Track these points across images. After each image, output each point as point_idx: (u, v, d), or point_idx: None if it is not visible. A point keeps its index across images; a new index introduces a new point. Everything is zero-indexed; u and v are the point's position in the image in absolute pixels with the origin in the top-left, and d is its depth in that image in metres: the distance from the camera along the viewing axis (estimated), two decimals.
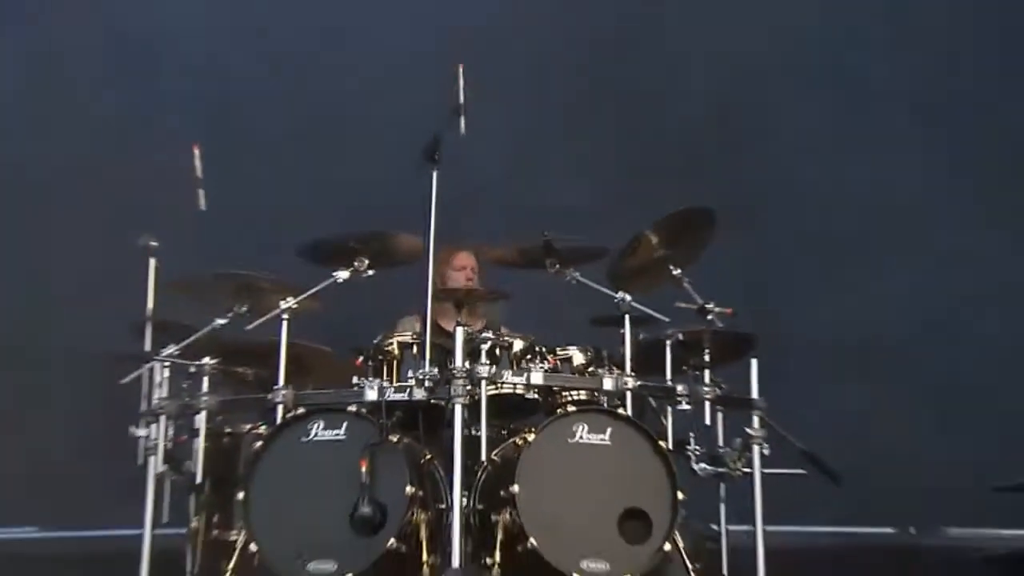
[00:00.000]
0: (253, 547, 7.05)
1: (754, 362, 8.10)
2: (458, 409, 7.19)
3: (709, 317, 8.04)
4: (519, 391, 7.84)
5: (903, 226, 10.45)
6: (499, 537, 7.27)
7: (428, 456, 7.59)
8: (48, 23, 12.80)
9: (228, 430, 8.25)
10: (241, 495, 7.24)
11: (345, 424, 7.30)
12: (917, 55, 12.80)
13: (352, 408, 7.46)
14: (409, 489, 7.02)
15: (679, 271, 8.25)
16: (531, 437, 7.33)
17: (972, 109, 12.51)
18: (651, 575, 7.10)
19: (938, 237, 10.26)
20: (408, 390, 7.57)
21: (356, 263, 8.06)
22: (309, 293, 8.03)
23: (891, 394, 9.65)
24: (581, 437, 7.26)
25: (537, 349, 8.07)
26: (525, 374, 7.80)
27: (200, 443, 7.83)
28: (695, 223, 8.46)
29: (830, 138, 12.26)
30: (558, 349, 8.19)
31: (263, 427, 7.87)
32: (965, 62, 12.73)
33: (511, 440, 7.71)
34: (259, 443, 7.57)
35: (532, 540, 6.86)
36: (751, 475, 7.87)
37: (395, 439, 7.23)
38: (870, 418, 9.36)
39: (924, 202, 11.07)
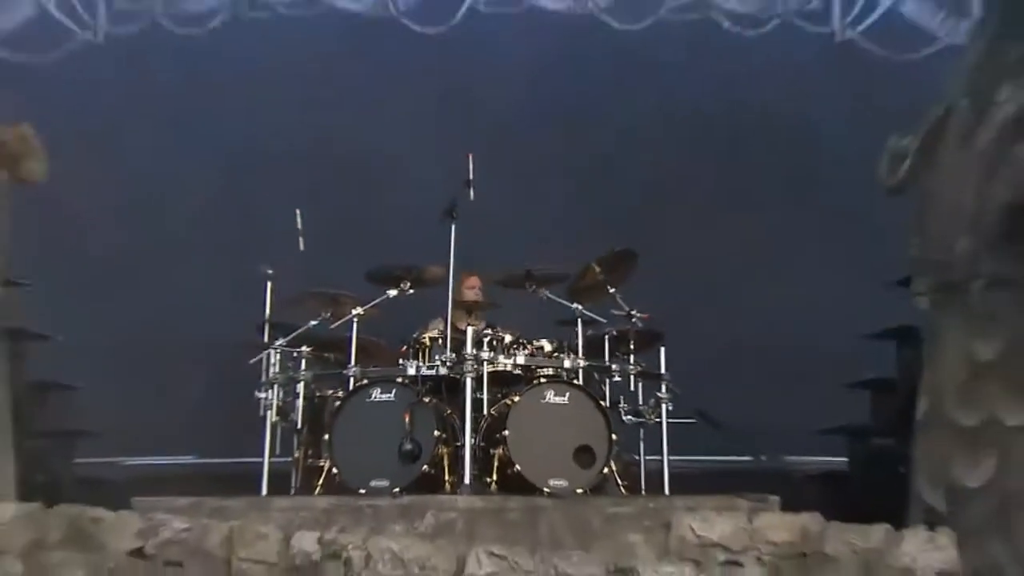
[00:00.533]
0: (335, 470, 7.67)
1: (663, 349, 8.69)
2: (468, 381, 7.76)
3: (633, 320, 8.45)
4: (509, 368, 8.23)
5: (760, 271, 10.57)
6: (495, 464, 7.86)
7: (448, 411, 8.08)
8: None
9: (318, 394, 8.64)
10: (327, 436, 7.76)
11: (394, 390, 7.83)
12: None
13: (399, 379, 8.02)
14: (436, 433, 7.65)
15: (613, 290, 8.57)
16: (516, 398, 7.88)
17: None
18: (594, 490, 7.60)
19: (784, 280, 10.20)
20: (435, 368, 8.08)
21: (401, 285, 8.44)
22: (371, 304, 8.43)
23: (755, 370, 9.96)
24: (549, 399, 7.79)
25: (521, 341, 8.52)
26: (513, 357, 8.26)
27: (300, 402, 8.51)
28: (624, 259, 8.77)
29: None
30: (534, 341, 8.61)
31: (340, 392, 8.24)
32: None
33: (503, 401, 8.15)
34: (338, 402, 8.00)
35: (517, 466, 7.47)
36: (660, 423, 8.37)
37: (427, 400, 7.82)
38: (738, 383, 9.67)
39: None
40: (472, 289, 8.90)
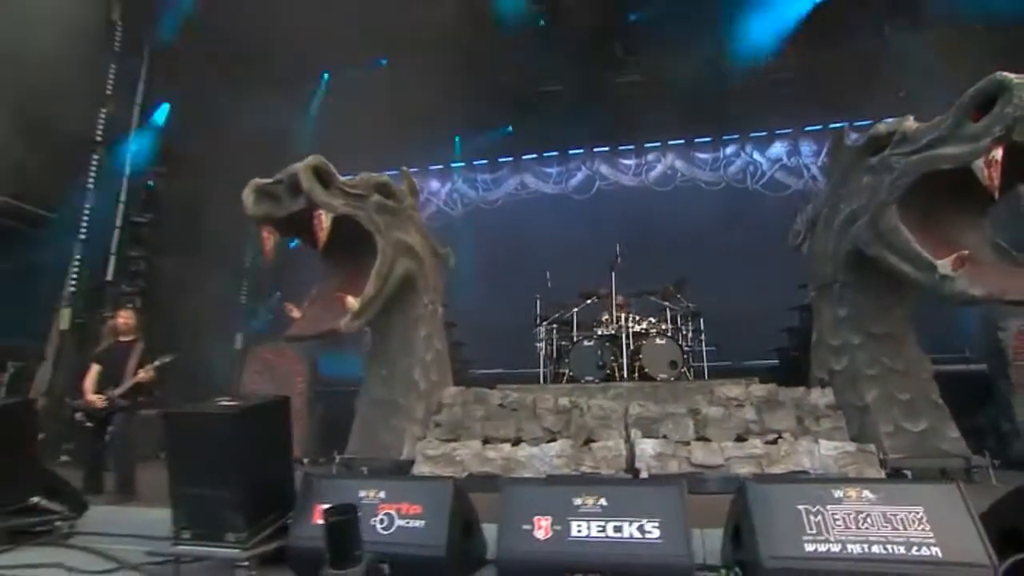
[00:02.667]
0: (571, 372, 7.93)
1: (702, 319, 8.54)
2: (624, 335, 7.97)
3: (689, 307, 8.57)
4: (639, 330, 8.24)
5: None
6: (637, 368, 7.90)
7: (615, 349, 8.04)
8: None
9: (560, 343, 8.60)
10: (567, 359, 8.03)
11: (593, 340, 8.04)
12: None
13: (595, 336, 8.19)
14: (612, 357, 7.88)
15: (679, 295, 8.61)
16: (644, 342, 7.95)
17: None
18: (677, 378, 7.59)
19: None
20: (610, 330, 8.28)
21: (592, 298, 8.65)
22: (581, 306, 8.61)
23: (742, 325, 9.14)
24: (656, 341, 7.88)
25: (641, 318, 8.49)
26: (641, 325, 8.34)
27: (554, 346, 8.62)
28: (683, 282, 8.71)
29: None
30: (649, 318, 8.51)
31: (571, 342, 8.24)
32: None
33: (638, 343, 7.99)
34: (570, 346, 8.16)
35: (646, 369, 7.68)
36: (702, 349, 8.39)
37: (607, 344, 8.00)
38: (736, 331, 9.03)
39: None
40: (620, 299, 8.64)
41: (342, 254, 5.52)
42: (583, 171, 13.15)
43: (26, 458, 3.96)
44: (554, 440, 5.77)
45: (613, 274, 8.15)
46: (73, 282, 8.81)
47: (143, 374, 5.51)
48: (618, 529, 2.55)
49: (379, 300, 5.49)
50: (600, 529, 2.56)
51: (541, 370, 8.39)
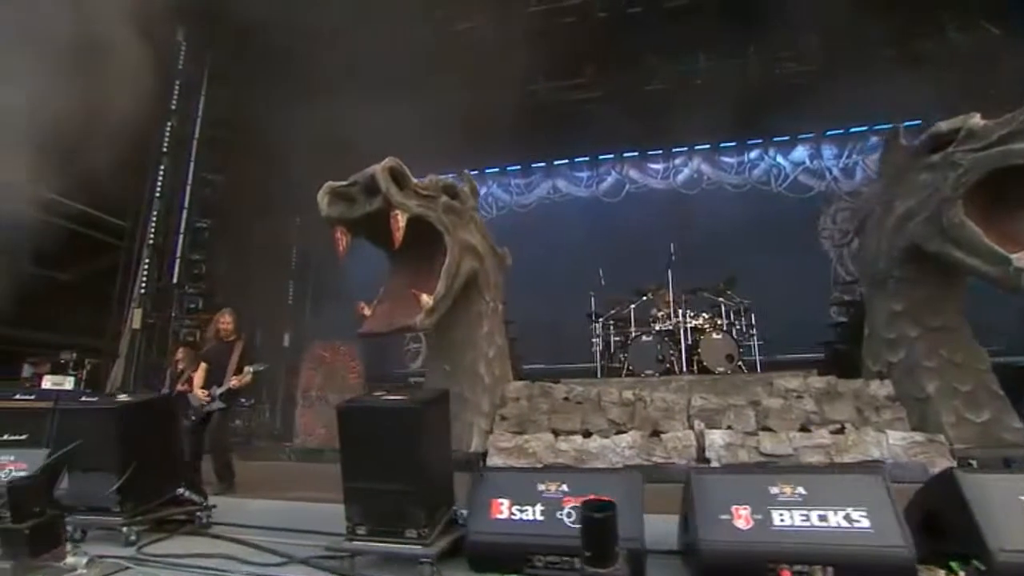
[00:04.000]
0: (630, 367, 7.92)
1: (753, 315, 8.51)
2: (682, 330, 8.01)
3: (740, 302, 8.53)
4: (696, 325, 8.19)
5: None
6: (695, 361, 7.88)
7: (673, 343, 8.07)
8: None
9: (616, 338, 8.67)
10: (624, 355, 8.10)
11: (652, 335, 8.04)
12: None
13: (652, 331, 8.16)
14: (670, 351, 7.92)
15: (730, 292, 8.58)
16: (702, 336, 7.92)
17: None
18: (733, 371, 7.59)
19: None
20: (666, 326, 8.25)
21: (646, 295, 8.66)
22: (638, 302, 8.61)
23: (791, 319, 8.86)
24: (713, 336, 7.89)
25: (696, 314, 8.44)
26: (697, 321, 8.30)
27: (612, 340, 8.64)
28: (732, 279, 8.65)
29: None
30: (703, 313, 8.48)
31: (628, 338, 8.20)
32: None
33: (695, 337, 8.01)
34: (628, 340, 8.22)
35: (704, 362, 7.69)
36: (752, 344, 8.30)
37: (665, 339, 8.01)
38: (784, 324, 8.84)
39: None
40: (673, 295, 8.57)
41: (409, 253, 5.52)
42: (613, 175, 13.30)
43: (171, 451, 4.19)
44: (622, 432, 5.87)
45: (670, 272, 8.25)
46: (143, 284, 9.18)
47: (235, 381, 5.74)
48: (823, 518, 2.46)
49: (448, 298, 5.50)
50: (804, 518, 2.47)
51: (598, 364, 8.49)
